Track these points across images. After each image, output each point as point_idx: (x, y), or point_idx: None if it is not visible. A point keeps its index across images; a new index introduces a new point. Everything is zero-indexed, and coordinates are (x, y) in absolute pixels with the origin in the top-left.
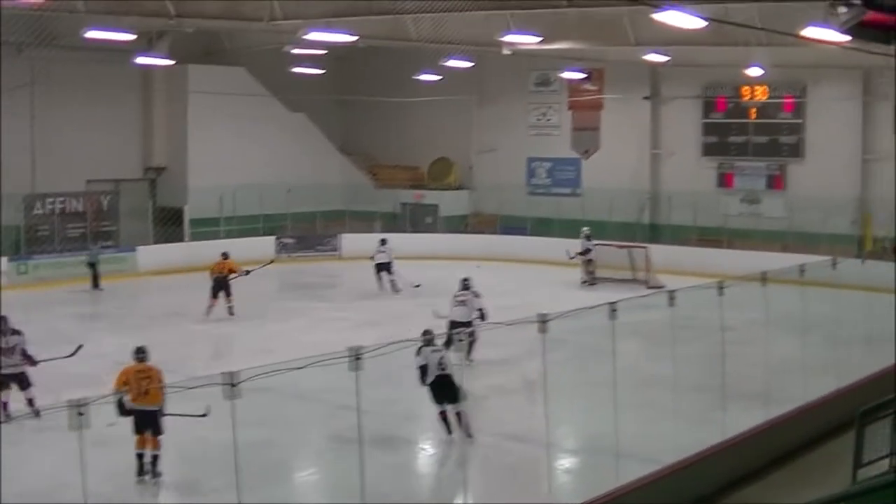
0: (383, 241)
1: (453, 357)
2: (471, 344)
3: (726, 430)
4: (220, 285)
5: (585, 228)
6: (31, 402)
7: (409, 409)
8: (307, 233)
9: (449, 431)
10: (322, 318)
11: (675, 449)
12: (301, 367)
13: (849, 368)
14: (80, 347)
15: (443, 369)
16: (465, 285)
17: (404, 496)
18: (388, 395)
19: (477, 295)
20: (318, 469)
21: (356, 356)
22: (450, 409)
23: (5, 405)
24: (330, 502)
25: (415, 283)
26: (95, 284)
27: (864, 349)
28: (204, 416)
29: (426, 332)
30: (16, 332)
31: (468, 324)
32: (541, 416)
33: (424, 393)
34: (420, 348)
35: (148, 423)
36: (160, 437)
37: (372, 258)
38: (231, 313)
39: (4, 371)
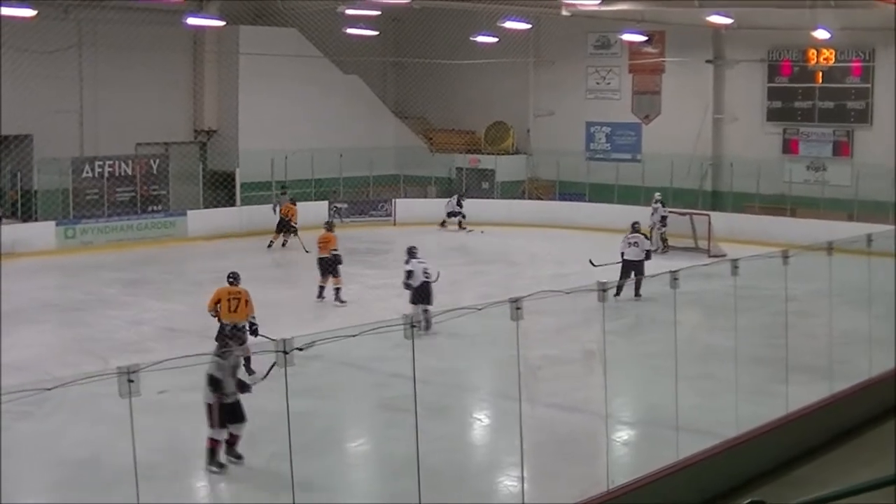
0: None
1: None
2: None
3: (788, 405)
4: (328, 265)
5: (657, 194)
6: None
7: (463, 378)
8: (360, 198)
9: (417, 326)
10: (374, 286)
11: (735, 423)
12: (354, 335)
13: None
14: (273, 365)
15: (427, 277)
16: (635, 228)
17: (457, 468)
18: (440, 364)
19: (647, 237)
20: (369, 439)
21: (411, 324)
22: (422, 308)
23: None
24: (381, 472)
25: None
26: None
27: None
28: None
29: (411, 247)
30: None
31: (641, 263)
32: (598, 386)
33: (478, 362)
34: (408, 259)
35: (235, 336)
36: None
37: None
38: (337, 299)
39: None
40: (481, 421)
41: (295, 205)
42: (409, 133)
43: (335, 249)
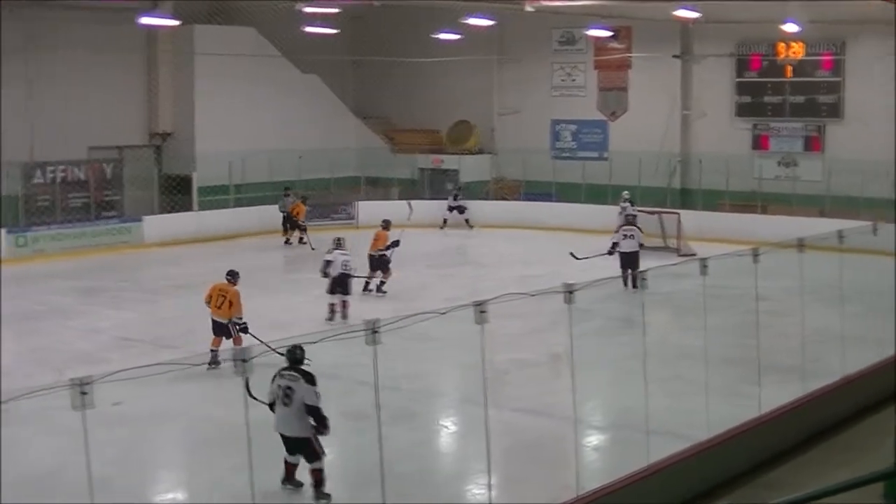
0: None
1: None
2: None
3: (761, 406)
4: (376, 262)
5: (625, 193)
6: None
7: (430, 384)
8: (321, 200)
9: (331, 318)
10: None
11: (707, 425)
12: (315, 342)
13: (890, 340)
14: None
15: (345, 269)
16: (628, 220)
17: (424, 475)
18: (406, 369)
19: (640, 228)
20: (333, 448)
21: (373, 329)
22: (338, 298)
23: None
24: (346, 482)
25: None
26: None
27: None
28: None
29: (338, 238)
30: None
31: (636, 254)
32: (567, 390)
33: (445, 368)
34: (331, 250)
35: (221, 330)
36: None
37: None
38: (379, 290)
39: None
40: (448, 427)
41: (304, 203)
42: (370, 133)
43: (382, 249)
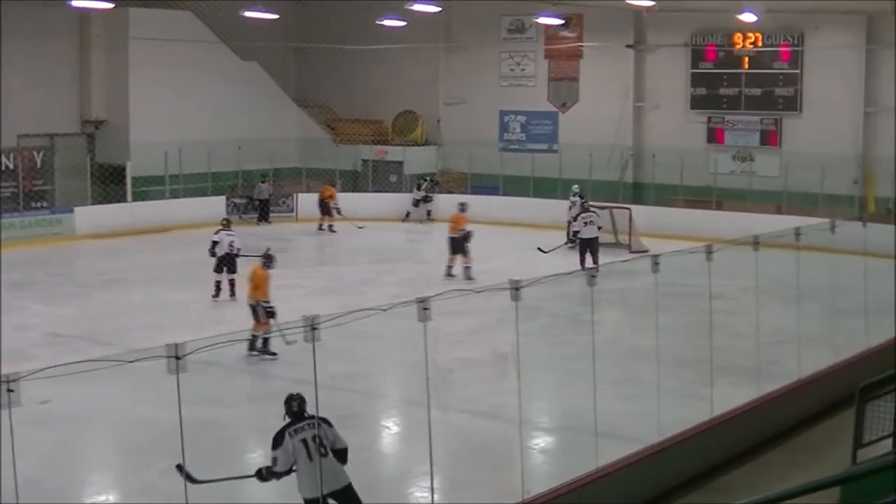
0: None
1: None
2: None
3: (714, 408)
4: (457, 244)
5: (575, 187)
6: None
7: (371, 384)
8: (253, 195)
9: (216, 296)
10: (275, 286)
11: (658, 428)
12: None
13: (848, 340)
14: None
15: (231, 249)
16: (585, 207)
17: (365, 478)
18: (347, 369)
19: (598, 214)
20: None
21: (312, 326)
22: (226, 277)
23: None
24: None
25: (358, 225)
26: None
27: (864, 320)
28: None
29: (224, 219)
30: None
31: (596, 239)
32: (513, 391)
33: (388, 368)
34: (218, 231)
35: (254, 314)
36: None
37: None
38: (467, 277)
39: None
40: (390, 429)
41: (334, 186)
42: (311, 123)
43: (463, 228)
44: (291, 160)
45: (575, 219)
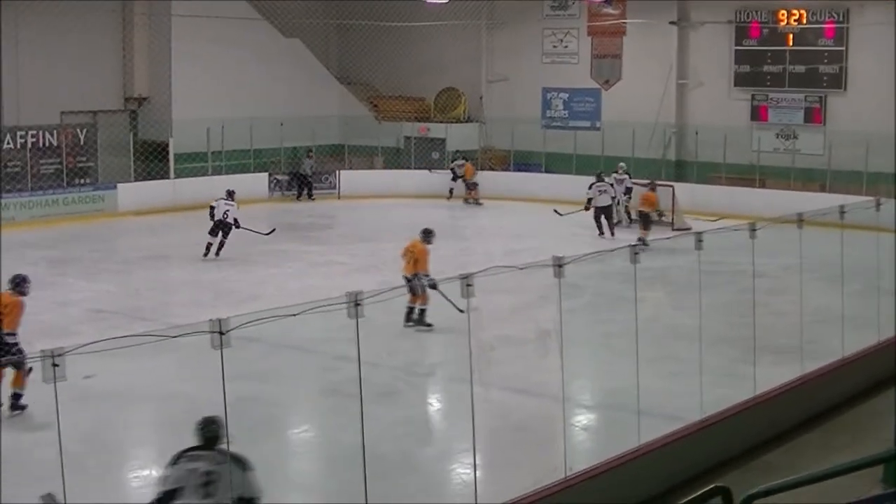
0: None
1: None
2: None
3: (756, 387)
4: (647, 219)
5: (621, 164)
6: None
7: (413, 360)
8: (298, 170)
9: (206, 254)
10: (317, 263)
11: (700, 406)
12: (295, 315)
13: (891, 320)
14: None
15: (224, 216)
16: (600, 177)
17: (406, 455)
18: (389, 345)
19: (612, 184)
20: (313, 425)
21: (355, 302)
22: (217, 239)
23: None
24: (325, 461)
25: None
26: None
27: None
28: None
29: (229, 190)
30: None
31: (611, 207)
32: (555, 369)
33: (428, 343)
34: (219, 199)
35: (410, 287)
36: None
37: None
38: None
39: None
40: (432, 406)
41: (468, 161)
42: (353, 100)
43: (654, 205)
44: (333, 137)
45: (590, 187)
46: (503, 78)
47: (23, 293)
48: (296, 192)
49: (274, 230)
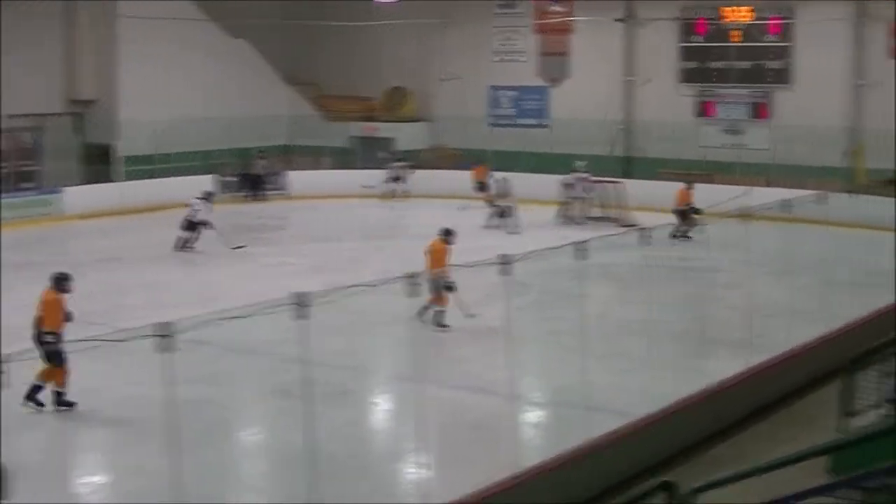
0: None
1: None
2: None
3: (705, 380)
4: (683, 215)
5: (580, 162)
6: None
7: (361, 361)
8: (249, 170)
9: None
10: (266, 264)
11: (649, 401)
12: (243, 317)
13: (838, 312)
14: None
15: (192, 216)
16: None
17: (356, 456)
18: (338, 346)
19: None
20: (262, 428)
21: (302, 304)
22: (186, 234)
23: None
24: (277, 463)
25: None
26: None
27: (854, 291)
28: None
29: (208, 192)
30: None
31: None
32: (504, 366)
33: (377, 344)
34: (196, 198)
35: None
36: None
37: None
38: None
39: None
40: (382, 405)
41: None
42: (300, 100)
43: (691, 204)
44: (281, 137)
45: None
46: (456, 76)
47: (65, 291)
48: (246, 193)
49: (245, 246)
